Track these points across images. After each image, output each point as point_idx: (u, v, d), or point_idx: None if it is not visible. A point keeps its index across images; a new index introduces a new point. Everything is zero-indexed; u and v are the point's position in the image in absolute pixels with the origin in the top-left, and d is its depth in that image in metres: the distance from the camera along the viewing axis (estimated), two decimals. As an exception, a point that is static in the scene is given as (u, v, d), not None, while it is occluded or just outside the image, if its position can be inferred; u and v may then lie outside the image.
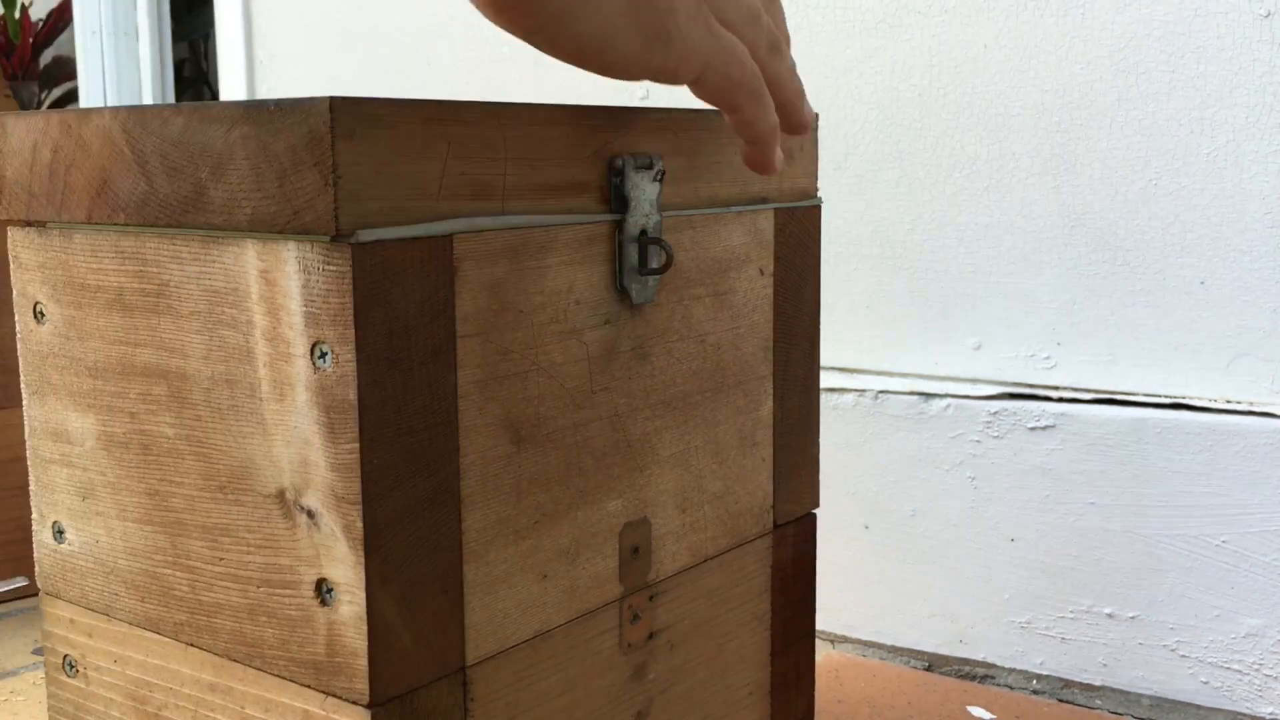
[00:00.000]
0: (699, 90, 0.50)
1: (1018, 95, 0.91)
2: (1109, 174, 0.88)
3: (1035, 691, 0.91)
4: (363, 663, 0.45)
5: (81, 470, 0.54)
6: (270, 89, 1.40)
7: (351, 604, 0.45)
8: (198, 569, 0.50)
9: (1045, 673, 0.91)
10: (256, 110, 0.44)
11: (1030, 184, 0.91)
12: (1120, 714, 0.88)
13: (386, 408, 0.44)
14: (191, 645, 0.51)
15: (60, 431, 0.55)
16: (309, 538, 0.46)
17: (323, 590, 0.46)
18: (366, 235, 0.43)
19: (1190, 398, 0.86)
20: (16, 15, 2.29)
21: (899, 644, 0.98)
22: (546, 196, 0.50)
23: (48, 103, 2.36)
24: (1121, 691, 0.89)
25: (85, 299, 0.53)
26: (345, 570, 0.45)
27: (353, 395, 0.43)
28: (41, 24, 2.34)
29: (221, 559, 0.49)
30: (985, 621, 0.93)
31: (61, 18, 2.31)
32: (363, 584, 0.44)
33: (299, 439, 0.45)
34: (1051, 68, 0.89)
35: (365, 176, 0.43)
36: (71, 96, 2.31)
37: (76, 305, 0.53)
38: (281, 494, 0.46)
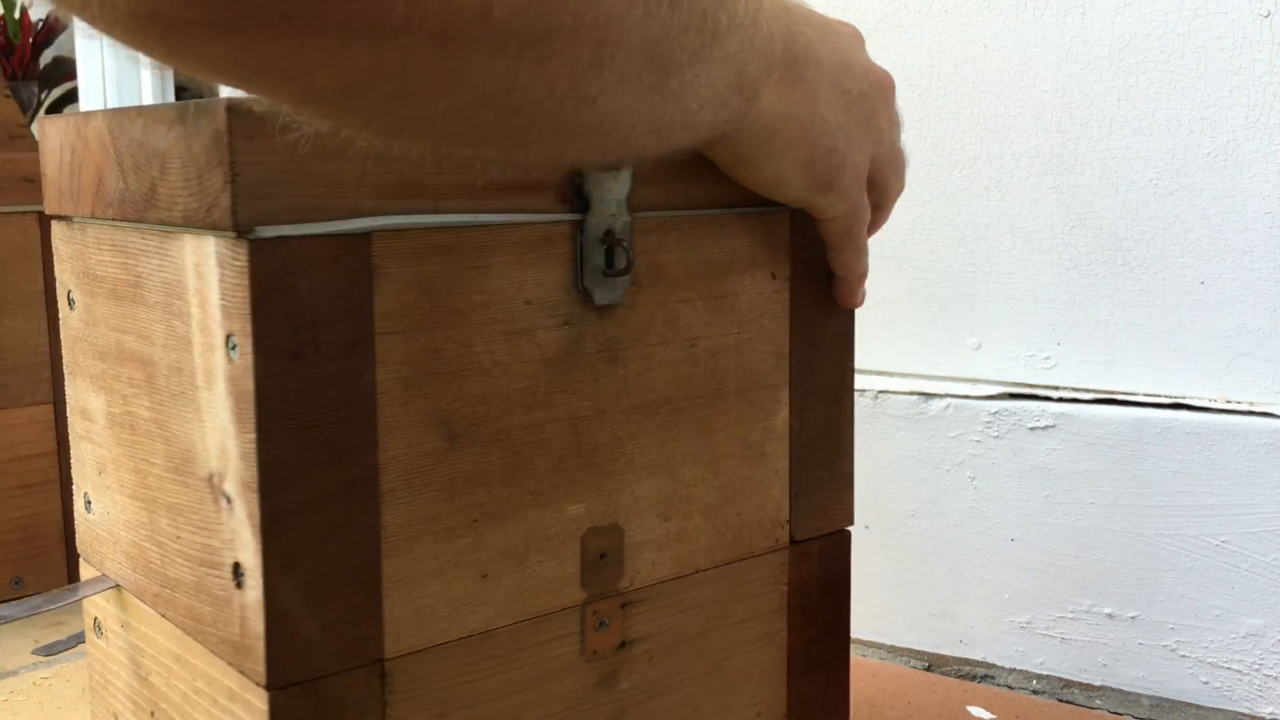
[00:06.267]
0: (823, 226, 0.59)
1: (1018, 95, 0.90)
2: (1109, 174, 0.87)
3: (1035, 691, 0.91)
4: (262, 645, 0.46)
5: (99, 446, 0.59)
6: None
7: (255, 589, 0.46)
8: (164, 545, 0.53)
9: (1045, 673, 0.91)
10: (183, 112, 0.46)
11: (1030, 184, 0.90)
12: (1120, 714, 0.87)
13: (289, 400, 0.45)
14: (164, 617, 0.54)
15: (85, 410, 0.60)
16: (228, 522, 0.48)
17: (237, 573, 0.47)
18: (266, 231, 0.44)
19: (1190, 398, 0.85)
20: (16, 15, 2.21)
21: (899, 644, 0.98)
22: (491, 196, 0.50)
23: (47, 103, 2.27)
24: (1121, 691, 0.88)
25: (95, 288, 0.57)
26: (250, 555, 0.46)
27: (251, 386, 0.45)
28: (41, 24, 2.22)
29: (179, 537, 0.52)
30: (985, 621, 0.93)
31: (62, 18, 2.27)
32: (261, 570, 0.46)
33: (219, 426, 0.47)
34: (1051, 68, 0.89)
35: (268, 174, 0.44)
36: (71, 97, 2.18)
37: (91, 294, 0.57)
38: (210, 478, 0.48)
